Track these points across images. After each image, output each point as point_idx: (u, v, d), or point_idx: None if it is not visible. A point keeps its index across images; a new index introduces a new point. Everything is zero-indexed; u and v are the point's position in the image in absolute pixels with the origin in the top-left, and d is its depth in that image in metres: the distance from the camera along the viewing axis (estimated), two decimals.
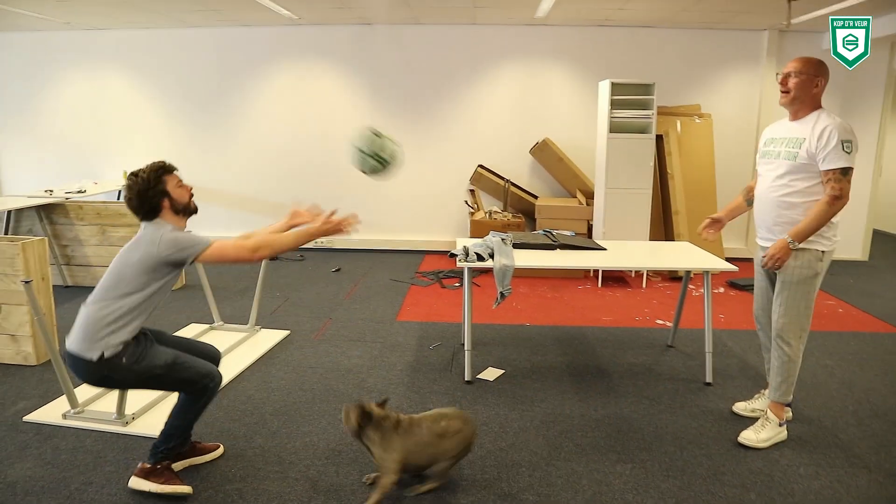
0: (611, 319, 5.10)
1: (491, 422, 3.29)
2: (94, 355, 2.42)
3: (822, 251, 2.92)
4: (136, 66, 7.53)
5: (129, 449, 2.96)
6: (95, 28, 7.32)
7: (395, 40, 7.26)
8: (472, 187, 7.51)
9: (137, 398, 3.40)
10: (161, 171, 2.61)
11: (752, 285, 6.25)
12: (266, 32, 7.32)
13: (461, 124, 7.45)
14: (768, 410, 3.15)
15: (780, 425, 3.10)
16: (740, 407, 3.44)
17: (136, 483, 2.61)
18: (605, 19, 6.70)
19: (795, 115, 2.96)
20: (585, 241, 4.41)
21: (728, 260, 4.28)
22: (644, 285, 6.22)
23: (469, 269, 3.77)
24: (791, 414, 3.27)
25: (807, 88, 2.86)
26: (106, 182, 7.46)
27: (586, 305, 5.48)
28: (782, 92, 2.94)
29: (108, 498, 2.57)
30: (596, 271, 6.44)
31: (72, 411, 3.22)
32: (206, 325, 4.70)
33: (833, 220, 2.87)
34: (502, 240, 3.98)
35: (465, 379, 3.80)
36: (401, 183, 7.57)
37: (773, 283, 3.16)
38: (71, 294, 5.56)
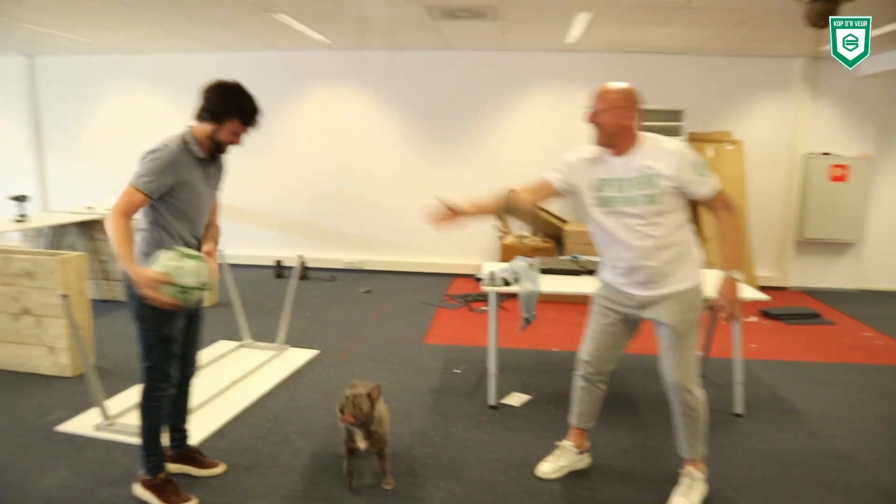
0: (639, 347, 4.97)
1: (515, 448, 3.27)
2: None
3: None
4: (172, 89, 7.75)
5: None
6: (137, 52, 7.57)
7: (425, 66, 7.36)
8: None
9: None
10: (239, 108, 2.47)
11: (787, 314, 6.14)
12: (299, 57, 7.48)
13: (491, 148, 7.50)
14: (691, 470, 2.78)
15: (705, 480, 2.78)
16: (547, 470, 2.99)
17: (140, 492, 2.68)
18: (635, 46, 6.71)
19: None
20: None
21: (761, 289, 4.22)
22: None
23: (495, 293, 3.77)
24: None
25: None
26: None
27: None
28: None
29: None
30: None
31: (104, 423, 3.29)
32: (236, 343, 4.77)
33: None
34: (529, 265, 3.99)
35: (490, 404, 3.79)
36: (431, 205, 7.64)
37: (629, 327, 2.84)
38: (108, 308, 5.70)
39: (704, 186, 2.49)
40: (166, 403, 2.67)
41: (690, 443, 2.74)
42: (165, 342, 2.54)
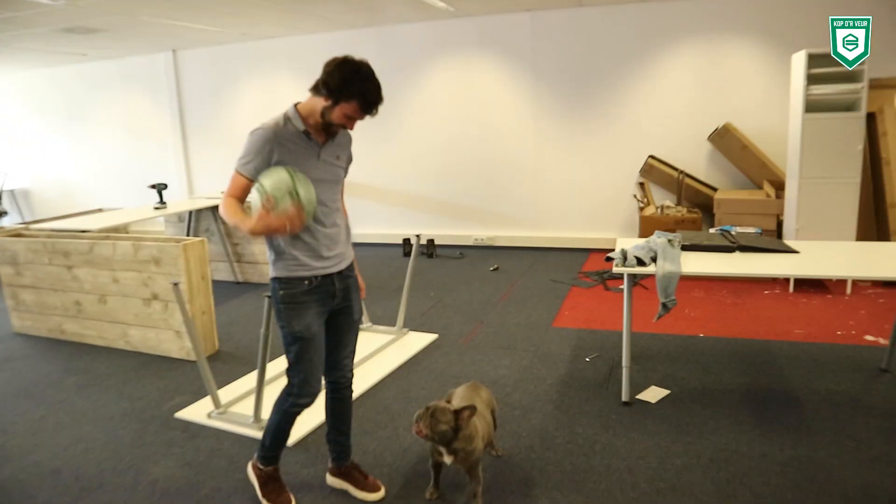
0: (804, 333, 4.31)
1: (649, 455, 2.83)
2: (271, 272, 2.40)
3: None
4: (303, 70, 7.82)
5: None
6: (268, 37, 7.73)
7: (557, 26, 6.84)
8: (641, 180, 6.89)
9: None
10: (361, 91, 2.17)
11: None
12: (422, 28, 7.26)
13: (630, 112, 6.85)
14: None
15: None
16: None
17: (249, 472, 2.62)
18: None
19: None
20: (773, 241, 3.73)
21: None
22: (849, 291, 5.24)
23: (629, 275, 3.30)
24: None
25: None
26: None
27: (774, 315, 4.71)
28: None
29: None
30: None
31: (215, 412, 3.27)
32: None
33: None
34: (669, 241, 3.46)
35: (623, 399, 3.35)
36: (566, 176, 7.19)
37: None
38: (241, 290, 5.85)
39: None
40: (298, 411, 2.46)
41: None
42: (299, 341, 2.34)
